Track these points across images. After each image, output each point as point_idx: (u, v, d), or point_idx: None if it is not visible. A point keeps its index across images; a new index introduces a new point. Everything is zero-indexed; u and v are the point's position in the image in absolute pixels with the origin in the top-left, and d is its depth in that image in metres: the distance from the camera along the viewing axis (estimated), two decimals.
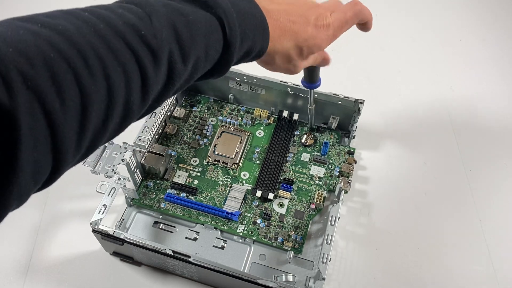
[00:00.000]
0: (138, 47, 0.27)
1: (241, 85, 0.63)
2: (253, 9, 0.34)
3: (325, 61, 0.44)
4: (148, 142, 0.56)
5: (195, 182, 0.58)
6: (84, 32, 0.25)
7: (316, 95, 0.58)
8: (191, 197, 0.57)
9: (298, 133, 0.63)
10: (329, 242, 0.48)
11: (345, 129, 0.63)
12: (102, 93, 0.25)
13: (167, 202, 0.56)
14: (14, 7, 0.82)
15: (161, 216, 0.56)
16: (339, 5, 0.40)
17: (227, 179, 0.59)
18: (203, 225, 0.55)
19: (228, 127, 0.63)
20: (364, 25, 0.42)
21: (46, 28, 0.24)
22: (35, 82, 0.21)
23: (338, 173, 0.59)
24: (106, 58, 0.25)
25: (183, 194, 0.57)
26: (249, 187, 0.58)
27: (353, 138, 0.62)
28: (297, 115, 0.62)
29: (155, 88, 0.29)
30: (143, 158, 0.56)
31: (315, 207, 0.56)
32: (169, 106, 0.62)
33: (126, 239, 0.47)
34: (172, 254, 0.46)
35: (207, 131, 0.63)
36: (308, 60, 0.41)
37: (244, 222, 0.55)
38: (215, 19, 0.31)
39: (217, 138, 0.62)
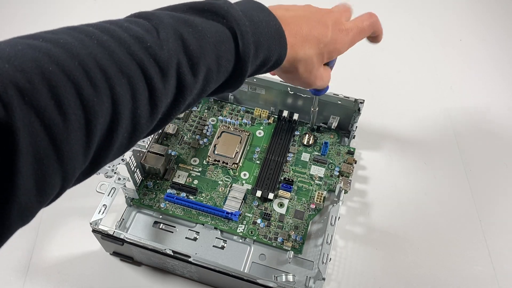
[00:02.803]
0: (144, 58, 0.26)
1: None
2: (266, 17, 0.33)
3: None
4: (148, 142, 0.56)
5: (195, 182, 0.58)
6: (86, 44, 0.24)
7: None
8: (191, 197, 0.57)
9: (298, 133, 0.63)
10: (329, 242, 0.48)
11: (345, 129, 0.63)
12: (107, 106, 0.24)
13: (167, 202, 0.56)
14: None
15: (161, 216, 0.56)
16: (349, 12, 0.41)
17: (227, 179, 0.59)
18: (203, 225, 0.55)
19: (228, 127, 0.63)
20: (375, 38, 0.43)
21: (47, 42, 0.23)
22: (33, 96, 0.21)
23: (338, 173, 0.59)
24: (109, 69, 0.24)
25: (183, 194, 0.57)
26: (249, 187, 0.58)
27: (353, 138, 0.62)
28: (297, 115, 0.62)
29: (164, 101, 0.28)
30: (143, 158, 0.56)
31: (315, 207, 0.56)
32: None
33: (126, 239, 0.47)
34: (172, 254, 0.46)
35: (207, 131, 0.63)
36: (327, 69, 0.41)
37: (244, 222, 0.55)
38: (227, 29, 0.30)
39: (217, 138, 0.62)
